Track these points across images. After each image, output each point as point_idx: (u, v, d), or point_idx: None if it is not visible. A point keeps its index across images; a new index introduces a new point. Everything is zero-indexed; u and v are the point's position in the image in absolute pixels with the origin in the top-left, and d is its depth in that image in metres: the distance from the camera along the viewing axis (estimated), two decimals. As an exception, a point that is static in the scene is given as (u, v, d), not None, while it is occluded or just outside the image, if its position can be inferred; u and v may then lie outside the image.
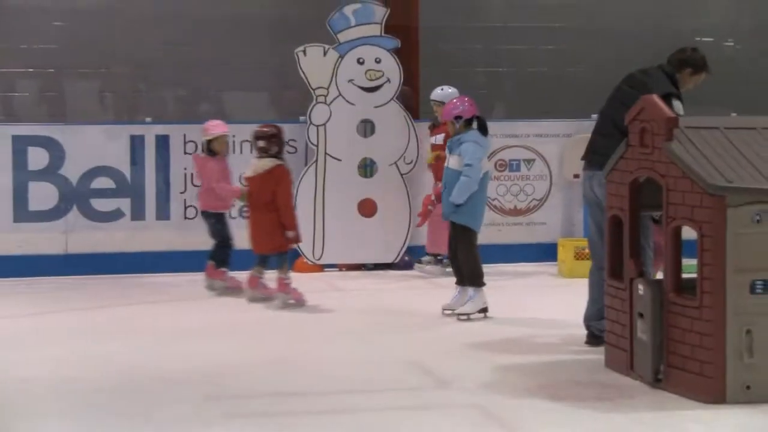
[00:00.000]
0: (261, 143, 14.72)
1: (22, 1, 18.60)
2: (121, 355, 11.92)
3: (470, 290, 13.72)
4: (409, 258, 17.13)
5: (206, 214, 15.63)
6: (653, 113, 10.44)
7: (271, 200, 14.52)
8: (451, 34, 19.24)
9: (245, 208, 15.51)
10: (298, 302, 14.69)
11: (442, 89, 16.41)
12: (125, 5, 18.82)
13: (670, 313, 10.26)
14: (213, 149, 15.43)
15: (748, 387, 9.76)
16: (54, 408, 9.97)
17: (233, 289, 15.38)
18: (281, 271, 14.72)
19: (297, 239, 15.04)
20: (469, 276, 13.75)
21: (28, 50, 18.67)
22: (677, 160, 10.04)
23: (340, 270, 16.76)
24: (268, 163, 14.65)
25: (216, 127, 15.50)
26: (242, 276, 15.05)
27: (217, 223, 15.55)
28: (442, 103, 15.70)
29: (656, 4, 20.30)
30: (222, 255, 15.57)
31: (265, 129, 14.91)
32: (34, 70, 18.75)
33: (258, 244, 14.83)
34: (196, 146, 16.56)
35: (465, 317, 13.58)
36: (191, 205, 16.93)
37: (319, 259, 16.94)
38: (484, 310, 13.67)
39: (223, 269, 15.52)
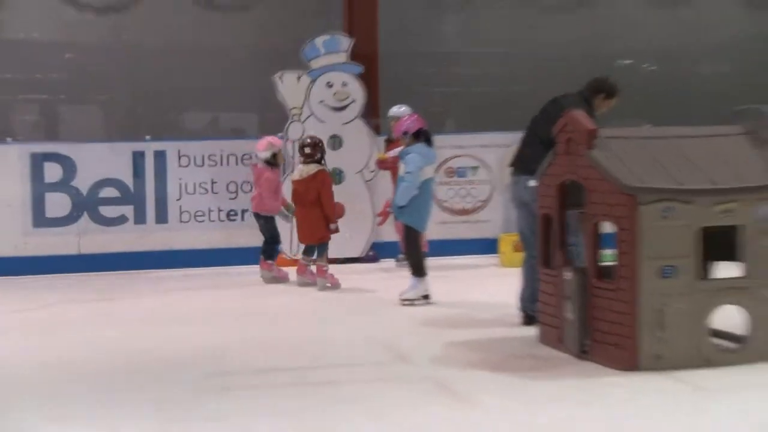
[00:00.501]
0: (307, 150, 15.25)
1: (37, 36, 18.59)
2: (128, 340, 11.96)
3: (413, 279, 13.77)
4: (373, 253, 17.18)
5: (258, 216, 15.97)
6: (577, 126, 10.56)
7: (316, 199, 15.04)
8: (407, 60, 19.25)
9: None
10: (334, 286, 15.15)
11: (398, 107, 16.46)
12: (125, 40, 18.81)
13: (593, 296, 10.36)
14: (273, 162, 15.83)
15: (659, 357, 9.86)
16: (70, 386, 10.00)
17: (280, 279, 15.79)
18: (321, 259, 15.22)
19: (337, 230, 15.41)
20: (412, 267, 13.81)
21: (42, 79, 18.66)
22: (597, 165, 10.15)
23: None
24: (312, 168, 15.20)
25: (275, 145, 15.92)
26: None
27: (266, 223, 15.92)
28: (395, 118, 15.87)
29: (583, 32, 20.31)
30: (270, 250, 15.98)
31: (309, 139, 15.43)
32: (48, 96, 18.73)
33: (304, 236, 15.38)
34: (236, 158, 16.65)
35: (408, 302, 13.63)
36: (186, 210, 16.99)
37: (295, 255, 16.91)
38: (426, 296, 13.71)
39: (271, 262, 15.87)
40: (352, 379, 10.05)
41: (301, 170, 15.31)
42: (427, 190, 13.90)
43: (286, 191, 15.95)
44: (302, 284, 15.37)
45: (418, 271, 13.79)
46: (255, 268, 16.32)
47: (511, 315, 12.34)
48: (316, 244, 15.33)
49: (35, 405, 9.37)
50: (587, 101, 12.08)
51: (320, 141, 15.66)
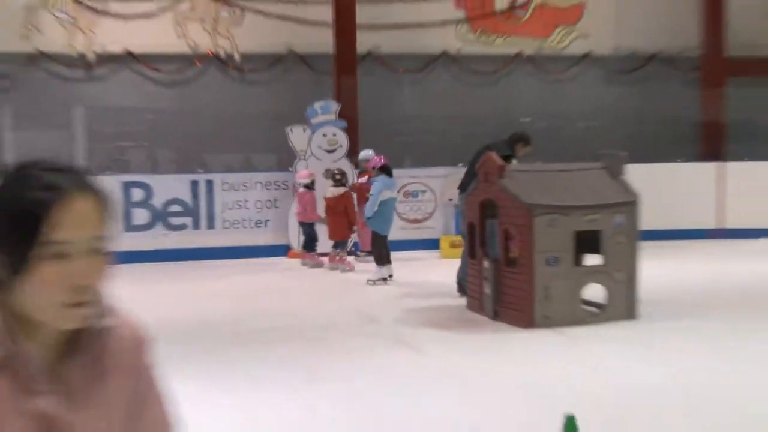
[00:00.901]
0: (337, 177, 15.61)
1: (128, 103, 18.61)
2: (187, 307, 12.10)
3: (377, 267, 13.83)
4: (354, 249, 17.19)
5: (302, 223, 16.14)
6: (491, 163, 10.69)
7: (343, 210, 15.33)
8: (378, 119, 19.25)
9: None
10: (350, 269, 15.28)
11: (365, 151, 16.47)
12: (186, 105, 18.84)
13: (502, 277, 10.49)
14: (311, 186, 16.03)
15: (547, 318, 9.99)
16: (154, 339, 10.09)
17: (317, 265, 15.74)
18: (342, 251, 15.52)
19: (355, 232, 15.96)
20: (376, 258, 13.91)
21: (130, 131, 18.68)
22: (505, 190, 10.28)
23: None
24: (341, 189, 15.51)
25: (313, 175, 16.19)
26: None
27: (308, 228, 15.98)
28: (365, 160, 15.94)
29: (497, 100, 20.35)
30: (310, 246, 16.00)
31: (337, 171, 15.87)
32: (134, 143, 18.75)
33: (334, 234, 15.50)
34: (261, 185, 16.68)
35: (372, 283, 13.67)
36: (227, 220, 17.04)
37: (301, 250, 16.84)
38: (385, 279, 13.73)
39: (312, 253, 15.93)
40: (335, 335, 10.16)
41: (333, 191, 15.56)
42: (388, 207, 14.00)
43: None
44: (332, 269, 15.46)
45: (380, 261, 13.84)
46: (276, 260, 16.42)
47: (449, 291, 12.41)
48: (341, 241, 15.57)
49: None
50: (511, 147, 12.18)
51: (345, 172, 16.01)
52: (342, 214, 15.41)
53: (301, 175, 16.25)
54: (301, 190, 16.09)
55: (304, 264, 15.89)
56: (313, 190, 16.18)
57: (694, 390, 7.57)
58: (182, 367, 8.70)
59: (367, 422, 6.98)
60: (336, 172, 15.87)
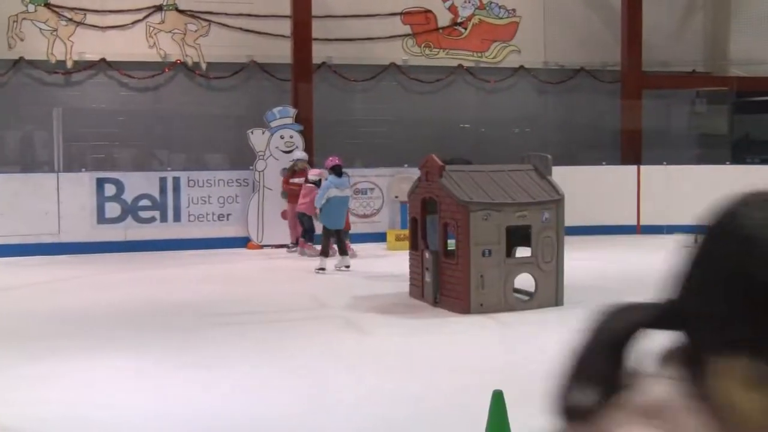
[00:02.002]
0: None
1: (103, 106, 18.42)
2: (153, 293, 11.97)
3: (320, 257, 13.68)
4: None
5: (304, 215, 15.68)
6: (432, 164, 10.71)
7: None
8: (331, 122, 19.22)
9: None
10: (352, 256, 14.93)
11: (300, 152, 16.63)
12: (156, 108, 18.66)
13: (442, 267, 10.53)
14: (318, 183, 15.40)
15: (481, 305, 10.05)
16: (109, 322, 10.02)
17: (313, 254, 15.18)
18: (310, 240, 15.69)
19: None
20: (321, 251, 13.79)
21: (104, 132, 18.45)
22: (444, 188, 10.31)
23: (272, 247, 16.71)
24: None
25: (322, 174, 15.36)
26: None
27: (309, 220, 15.70)
28: (300, 160, 16.22)
29: (440, 107, 20.38)
30: (309, 236, 15.77)
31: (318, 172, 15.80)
32: (108, 143, 18.53)
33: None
34: (224, 182, 16.60)
35: (318, 270, 13.50)
36: (192, 214, 16.90)
37: (261, 241, 16.85)
38: (323, 269, 13.51)
39: (310, 243, 15.67)
40: (290, 318, 10.16)
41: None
42: (334, 203, 13.79)
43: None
44: (302, 254, 15.59)
45: (323, 253, 13.69)
46: (237, 251, 16.34)
47: (395, 280, 12.39)
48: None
49: (97, 330, 9.36)
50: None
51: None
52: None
53: (313, 173, 16.14)
54: (309, 185, 16.02)
55: (302, 254, 15.77)
56: (318, 186, 16.16)
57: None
58: (157, 345, 8.68)
59: (317, 394, 7.01)
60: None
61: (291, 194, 16.15)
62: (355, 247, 15.46)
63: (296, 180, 16.19)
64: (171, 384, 7.31)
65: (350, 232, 15.64)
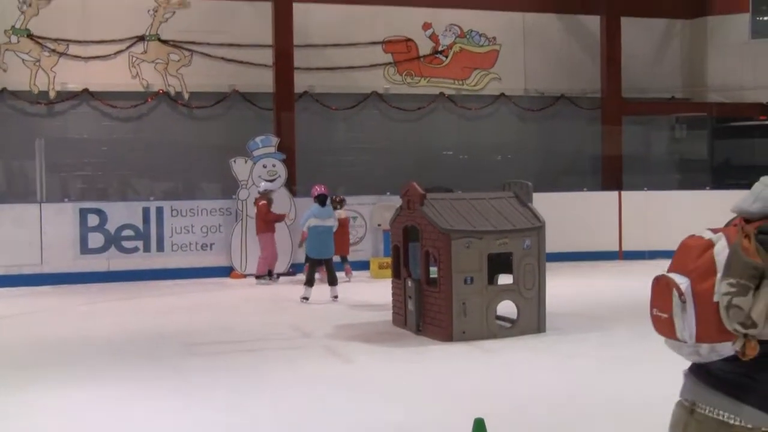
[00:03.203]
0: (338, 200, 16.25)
1: (86, 136, 18.41)
2: (138, 322, 11.93)
3: (304, 287, 13.59)
4: (292, 270, 17.07)
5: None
6: (414, 192, 10.76)
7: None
8: (313, 151, 19.25)
9: None
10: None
11: (265, 184, 16.62)
12: (140, 137, 18.66)
13: (424, 295, 10.55)
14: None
15: (464, 332, 10.07)
16: (93, 352, 9.99)
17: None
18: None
19: None
20: (306, 280, 13.65)
21: (88, 162, 18.42)
22: (426, 216, 10.35)
23: (255, 277, 16.63)
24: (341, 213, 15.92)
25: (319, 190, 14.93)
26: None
27: None
28: (265, 191, 16.32)
29: (421, 135, 20.46)
30: None
31: (338, 197, 16.52)
32: (91, 173, 18.50)
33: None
34: (207, 211, 16.64)
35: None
36: (175, 243, 16.86)
37: (244, 270, 16.82)
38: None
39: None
40: (273, 347, 10.17)
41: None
42: (315, 232, 13.66)
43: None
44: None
45: (308, 282, 13.51)
46: (220, 280, 16.32)
47: (378, 308, 12.41)
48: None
49: (80, 360, 9.34)
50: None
51: (344, 198, 16.68)
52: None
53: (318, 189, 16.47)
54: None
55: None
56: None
57: (596, 394, 7.68)
58: (140, 375, 8.66)
59: (298, 422, 7.02)
60: (338, 198, 16.41)
61: (271, 223, 16.20)
62: (337, 275, 15.43)
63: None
64: (152, 415, 7.30)
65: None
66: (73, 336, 10.98)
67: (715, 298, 2.89)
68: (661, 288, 3.08)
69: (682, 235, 3.25)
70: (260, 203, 16.21)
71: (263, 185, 16.55)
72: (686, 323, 2.93)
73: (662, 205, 18.37)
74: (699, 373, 3.08)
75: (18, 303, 13.72)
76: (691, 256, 3.01)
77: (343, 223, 16.02)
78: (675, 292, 2.97)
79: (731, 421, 2.94)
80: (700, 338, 2.92)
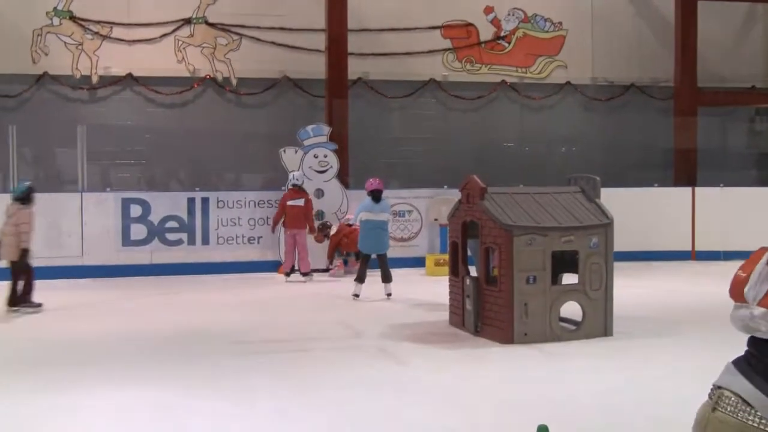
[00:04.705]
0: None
1: (128, 123, 18.59)
2: (181, 320, 12.00)
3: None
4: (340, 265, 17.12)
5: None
6: (473, 185, 10.68)
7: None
8: (368, 140, 19.29)
9: None
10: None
11: (298, 172, 16.57)
12: (185, 125, 18.81)
13: (483, 294, 10.48)
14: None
15: (525, 334, 9.98)
16: (142, 350, 10.05)
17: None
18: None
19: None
20: (357, 276, 13.70)
21: (130, 150, 18.65)
22: (486, 210, 10.27)
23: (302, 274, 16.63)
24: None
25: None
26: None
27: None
28: (294, 183, 16.19)
29: (482, 125, 20.40)
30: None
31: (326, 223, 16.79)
32: (134, 161, 18.70)
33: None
34: (255, 203, 16.67)
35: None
36: (221, 236, 16.96)
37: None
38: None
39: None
40: (322, 347, 10.13)
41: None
42: (366, 227, 13.63)
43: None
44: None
45: (359, 278, 13.55)
46: (267, 275, 16.39)
47: (433, 307, 12.37)
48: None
49: (120, 358, 9.41)
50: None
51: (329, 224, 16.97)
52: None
53: (348, 217, 16.77)
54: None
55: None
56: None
57: (667, 404, 7.55)
58: (181, 375, 8.69)
59: (345, 427, 6.97)
60: (327, 223, 16.81)
61: (289, 217, 16.15)
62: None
63: (293, 203, 16.12)
64: (193, 418, 7.30)
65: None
66: (114, 333, 11.06)
67: None
68: (758, 255, 3.28)
69: (761, 234, 3.37)
70: (308, 198, 16.23)
71: (297, 176, 16.45)
72: (759, 287, 3.19)
73: (739, 203, 18.07)
74: (738, 362, 3.29)
75: (57, 296, 13.86)
76: None
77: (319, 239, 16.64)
78: (766, 257, 3.22)
79: (752, 423, 3.10)
80: (762, 303, 3.16)
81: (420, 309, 12.65)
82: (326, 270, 16.63)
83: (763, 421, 3.08)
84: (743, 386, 3.17)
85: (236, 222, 17.13)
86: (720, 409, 3.21)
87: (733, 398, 3.18)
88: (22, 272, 12.70)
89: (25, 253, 12.60)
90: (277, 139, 17.89)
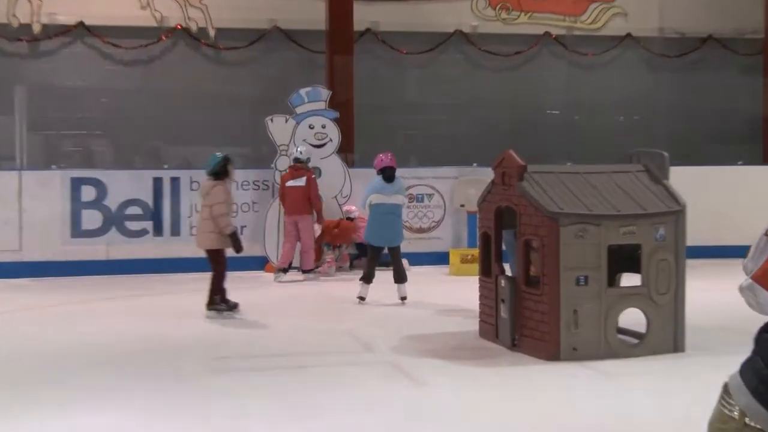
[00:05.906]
0: None
1: (80, 83, 18.61)
2: (147, 329, 12.01)
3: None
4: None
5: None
6: (510, 162, 10.67)
7: None
8: (376, 108, 19.27)
9: None
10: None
11: (302, 147, 16.71)
12: (149, 87, 18.84)
13: (522, 299, 10.47)
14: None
15: (575, 349, 9.98)
16: (97, 366, 10.07)
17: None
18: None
19: None
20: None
21: (82, 118, 18.65)
22: (526, 194, 10.26)
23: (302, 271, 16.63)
24: None
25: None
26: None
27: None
28: (299, 159, 16.35)
29: (518, 89, 20.38)
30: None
31: None
32: (86, 132, 18.73)
33: None
34: (237, 184, 16.81)
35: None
36: (195, 226, 16.96)
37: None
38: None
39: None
40: (323, 364, 10.16)
41: None
42: (376, 213, 13.57)
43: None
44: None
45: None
46: (252, 274, 16.40)
47: (459, 314, 12.37)
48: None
49: (69, 378, 9.42)
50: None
51: None
52: None
53: (348, 209, 17.02)
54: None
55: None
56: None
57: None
58: (149, 398, 8.69)
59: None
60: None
61: (289, 200, 16.33)
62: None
63: (293, 183, 16.25)
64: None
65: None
66: (64, 345, 11.05)
67: None
68: None
69: None
70: (312, 176, 16.25)
71: (301, 150, 16.54)
72: (756, 259, 3.72)
73: None
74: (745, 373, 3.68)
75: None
76: None
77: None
78: (764, 229, 3.72)
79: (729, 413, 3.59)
80: (755, 277, 3.67)
81: (442, 317, 12.67)
82: (309, 271, 16.47)
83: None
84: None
85: (213, 208, 17.16)
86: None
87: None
88: (218, 264, 12.91)
89: (229, 239, 12.81)
90: (264, 105, 17.88)
